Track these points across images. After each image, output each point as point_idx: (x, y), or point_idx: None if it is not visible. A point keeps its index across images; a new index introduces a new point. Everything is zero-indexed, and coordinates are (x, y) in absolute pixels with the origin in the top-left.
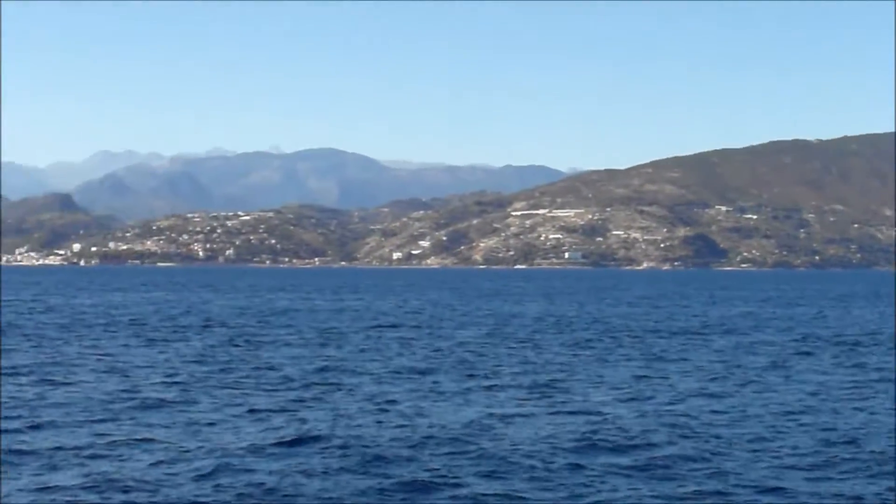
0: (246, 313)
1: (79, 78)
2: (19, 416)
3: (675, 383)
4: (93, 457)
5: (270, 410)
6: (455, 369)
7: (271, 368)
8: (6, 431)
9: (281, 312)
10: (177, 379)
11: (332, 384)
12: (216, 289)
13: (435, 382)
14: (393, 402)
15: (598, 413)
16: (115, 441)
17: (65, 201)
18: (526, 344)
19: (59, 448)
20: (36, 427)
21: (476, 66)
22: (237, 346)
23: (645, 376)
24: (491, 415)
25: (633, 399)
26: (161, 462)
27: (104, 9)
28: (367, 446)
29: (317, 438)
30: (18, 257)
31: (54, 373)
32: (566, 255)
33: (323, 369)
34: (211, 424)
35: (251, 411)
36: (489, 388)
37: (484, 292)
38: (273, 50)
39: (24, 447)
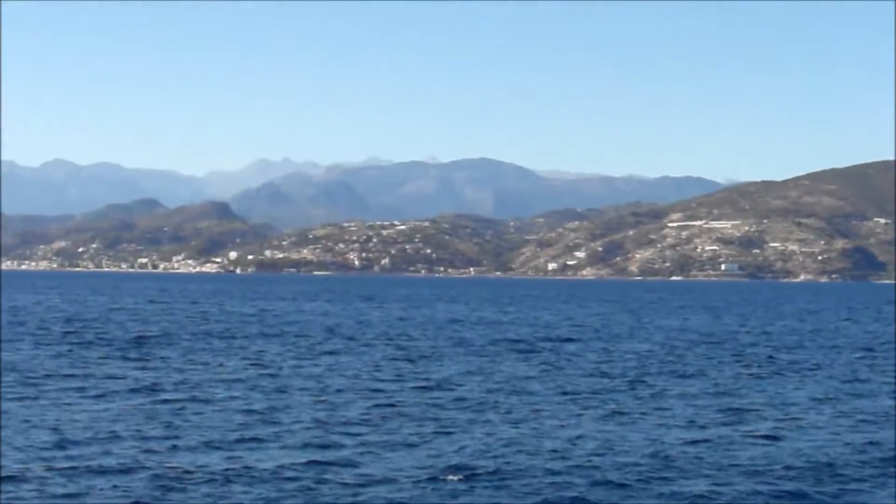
0: (408, 323)
1: (236, 87)
2: (153, 437)
3: (867, 406)
4: (215, 481)
5: (436, 433)
6: (630, 388)
7: (438, 386)
8: (149, 451)
9: (447, 323)
10: (329, 397)
11: (501, 403)
12: (374, 298)
13: (611, 403)
14: (568, 426)
15: (794, 440)
16: (249, 466)
17: (222, 209)
18: (700, 359)
19: (190, 472)
20: (175, 448)
21: (633, 76)
22: (405, 360)
23: (831, 398)
24: (680, 441)
25: (830, 425)
26: (293, 496)
27: (264, 9)
28: (541, 482)
29: (485, 472)
30: (176, 265)
31: (203, 386)
32: (723, 266)
33: (494, 388)
34: (363, 451)
35: (417, 434)
36: (667, 409)
37: (646, 304)
38: (429, 59)
39: (150, 470)
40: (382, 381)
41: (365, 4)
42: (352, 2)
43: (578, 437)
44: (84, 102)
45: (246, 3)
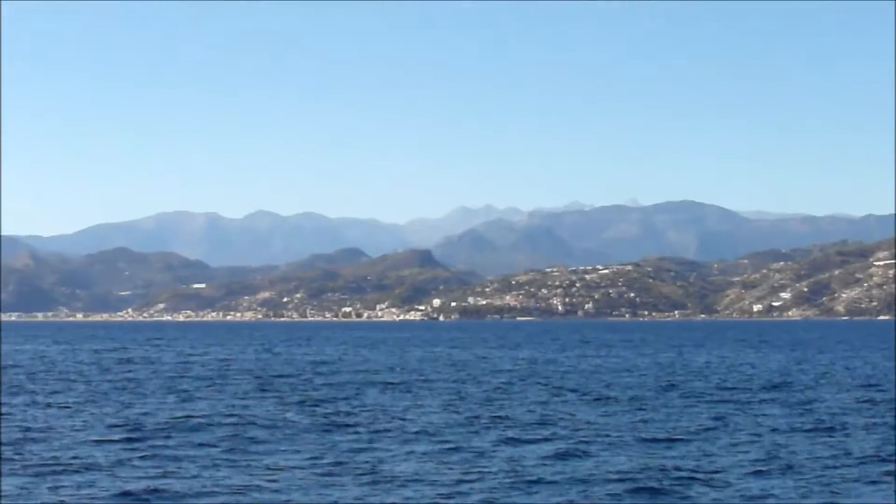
0: (645, 376)
1: (437, 136)
2: None
3: None
4: None
5: None
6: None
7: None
8: None
9: (695, 371)
10: (529, 474)
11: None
12: (592, 342)
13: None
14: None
15: None
16: None
17: (425, 257)
18: None
19: None
20: None
21: (834, 114)
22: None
23: None
24: None
25: None
26: None
27: (469, 61)
28: None
29: None
30: (380, 313)
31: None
32: None
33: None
34: None
35: None
36: None
37: (870, 344)
38: (630, 101)
39: None
40: (611, 431)
41: (560, 51)
42: (551, 47)
43: None
44: (287, 154)
45: (445, 51)
